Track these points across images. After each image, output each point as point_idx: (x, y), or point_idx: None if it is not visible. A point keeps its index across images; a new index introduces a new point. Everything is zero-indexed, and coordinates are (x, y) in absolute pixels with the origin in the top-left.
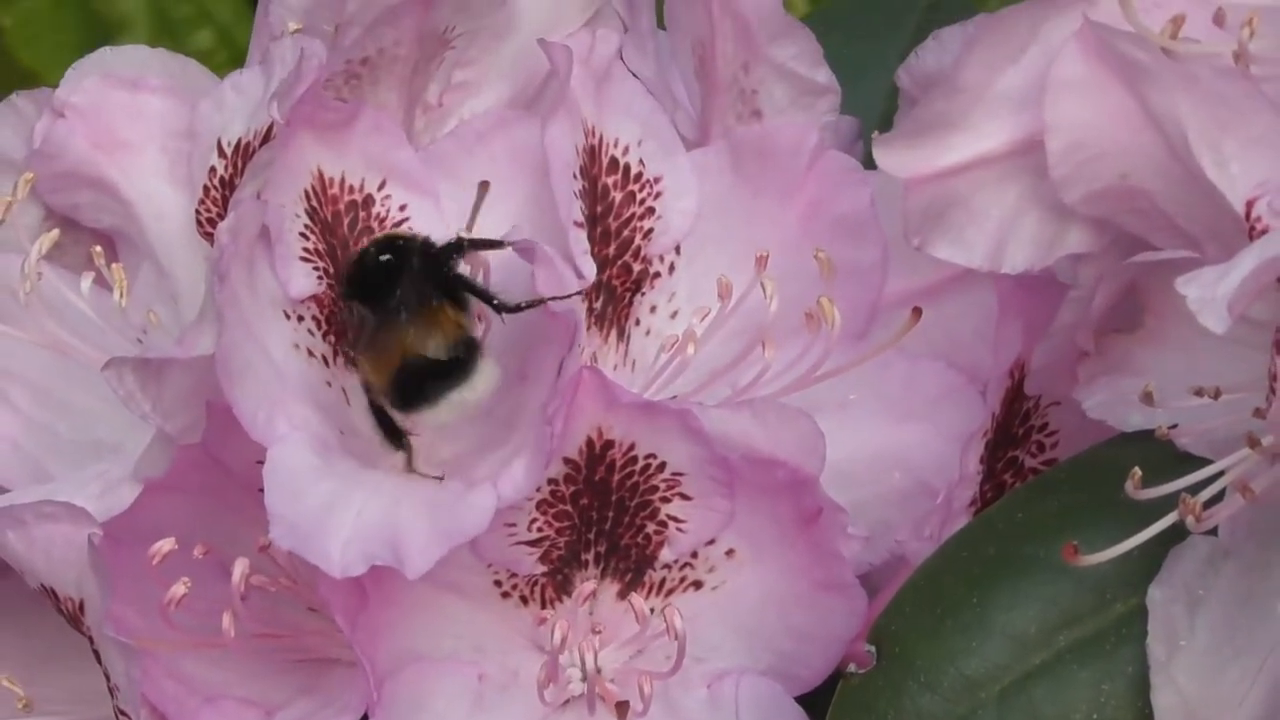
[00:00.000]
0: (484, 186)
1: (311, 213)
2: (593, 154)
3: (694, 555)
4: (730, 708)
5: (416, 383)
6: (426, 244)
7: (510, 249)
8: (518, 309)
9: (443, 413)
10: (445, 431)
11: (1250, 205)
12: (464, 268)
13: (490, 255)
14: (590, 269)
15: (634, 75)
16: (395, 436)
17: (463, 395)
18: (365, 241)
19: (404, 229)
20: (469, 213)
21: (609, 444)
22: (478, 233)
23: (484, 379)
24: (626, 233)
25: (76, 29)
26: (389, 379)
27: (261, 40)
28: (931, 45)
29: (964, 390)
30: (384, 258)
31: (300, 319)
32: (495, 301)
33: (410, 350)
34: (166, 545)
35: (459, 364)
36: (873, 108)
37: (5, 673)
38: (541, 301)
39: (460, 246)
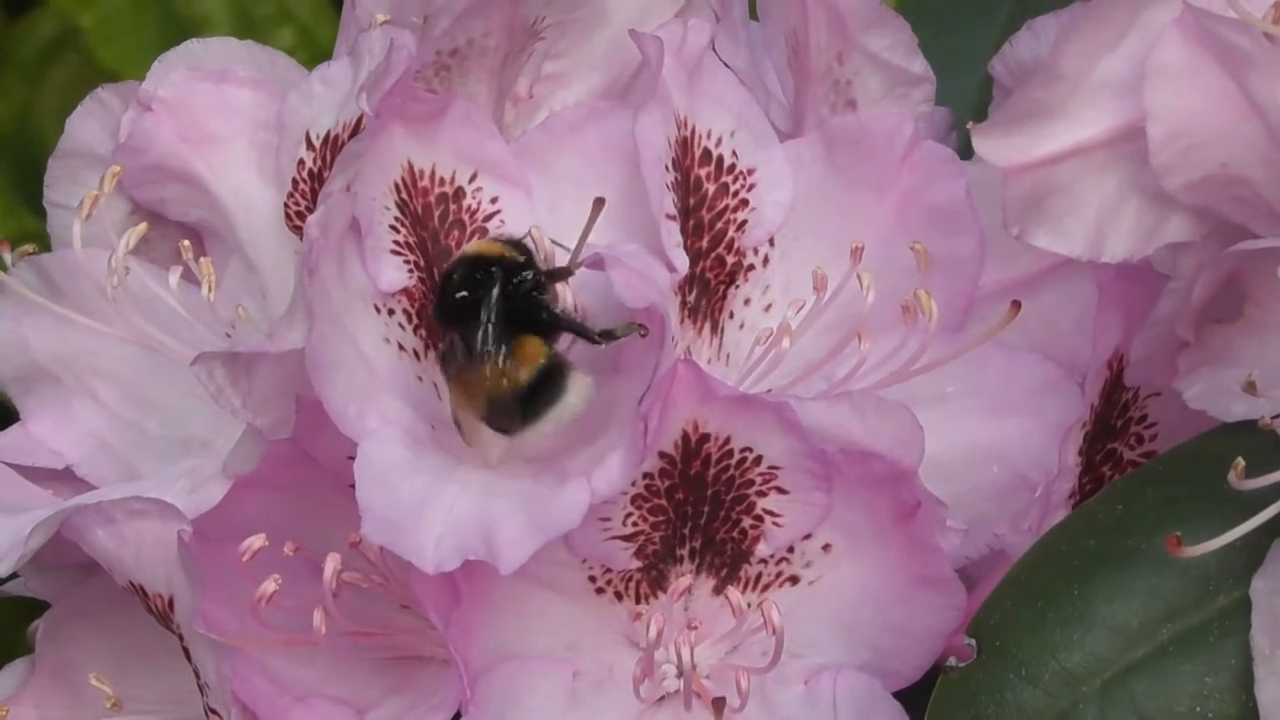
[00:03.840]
0: (599, 205)
1: (401, 205)
2: (685, 146)
3: (790, 550)
4: (828, 704)
5: (507, 411)
6: (508, 271)
7: (585, 268)
8: (611, 336)
9: (544, 426)
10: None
11: None
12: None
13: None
14: (682, 261)
15: (726, 66)
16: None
17: (561, 410)
18: (457, 245)
19: (492, 237)
20: (580, 229)
21: (705, 438)
22: (574, 217)
23: (577, 392)
24: (720, 225)
25: (156, 28)
26: (484, 411)
27: (349, 32)
28: (1025, 35)
29: (1062, 382)
30: (460, 294)
31: (390, 313)
32: (588, 332)
33: (493, 389)
34: (257, 542)
35: (549, 386)
36: (965, 99)
37: (93, 671)
38: (632, 329)
39: (539, 284)
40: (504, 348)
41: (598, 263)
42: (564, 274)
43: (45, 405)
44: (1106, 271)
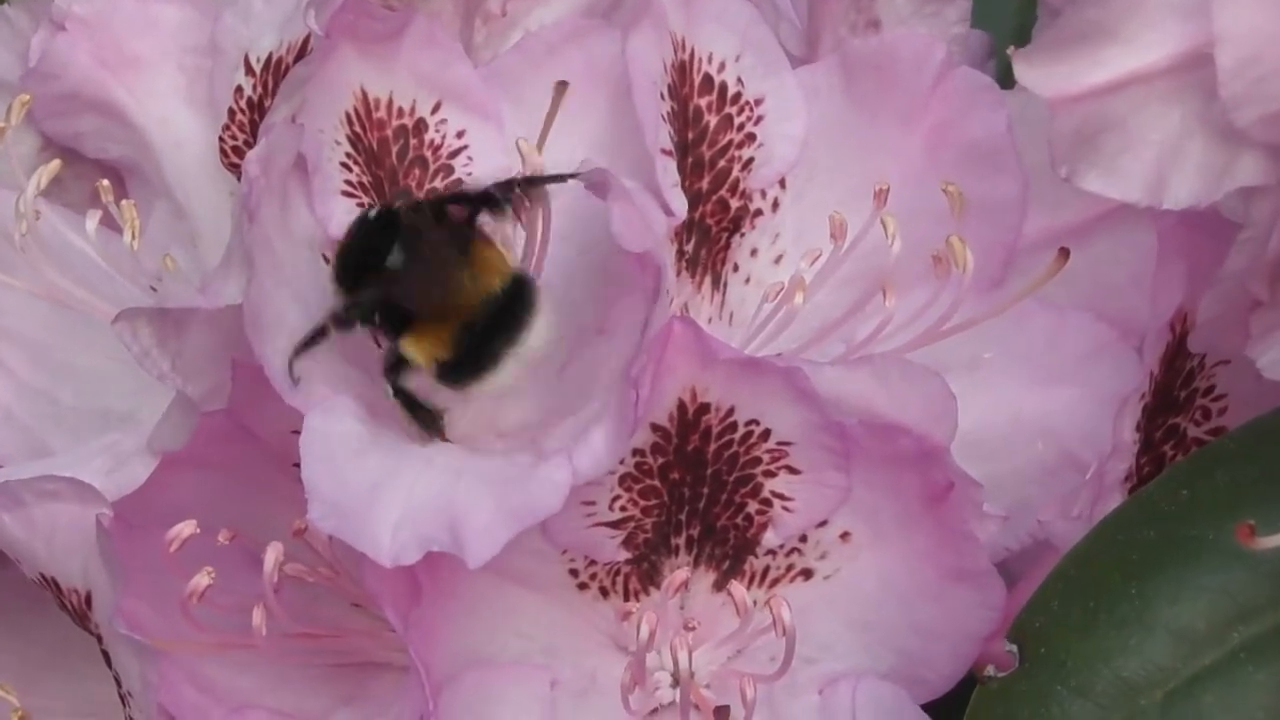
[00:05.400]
0: (561, 87)
1: (354, 139)
2: (683, 71)
3: (802, 539)
4: (845, 716)
5: (479, 342)
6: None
7: (579, 183)
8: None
9: (505, 373)
10: (509, 395)
11: None
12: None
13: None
14: (680, 204)
15: None
16: (430, 423)
17: (524, 348)
18: (418, 185)
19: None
20: (541, 123)
21: (704, 408)
22: (548, 155)
23: (542, 324)
24: (723, 163)
25: None
26: (450, 347)
27: None
28: None
29: (1117, 346)
30: (367, 238)
31: None
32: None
33: (469, 302)
34: (187, 529)
35: (518, 308)
36: (1005, 20)
37: None
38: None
39: (510, 184)
40: (456, 252)
41: (600, 186)
42: (555, 178)
43: None
44: (1168, 219)
